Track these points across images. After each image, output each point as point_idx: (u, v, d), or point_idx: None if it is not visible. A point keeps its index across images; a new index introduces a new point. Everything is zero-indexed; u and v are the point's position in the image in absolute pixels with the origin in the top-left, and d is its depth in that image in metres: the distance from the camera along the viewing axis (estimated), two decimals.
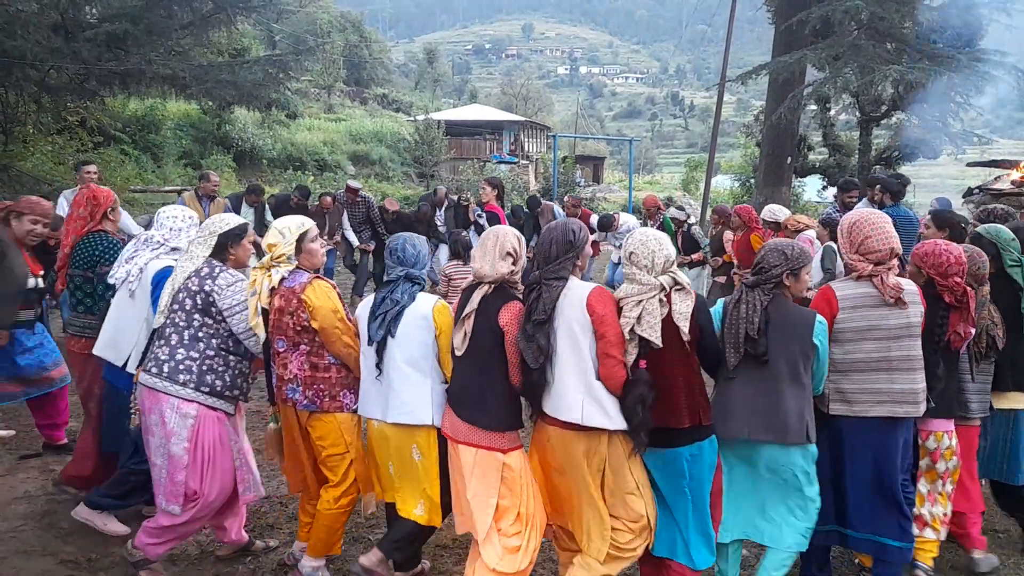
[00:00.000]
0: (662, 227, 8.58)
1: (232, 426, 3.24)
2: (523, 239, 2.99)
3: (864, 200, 6.56)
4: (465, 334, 2.82)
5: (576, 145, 42.32)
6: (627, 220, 8.95)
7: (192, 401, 3.06)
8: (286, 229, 3.13)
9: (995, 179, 13.02)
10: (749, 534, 3.08)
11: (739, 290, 3.01)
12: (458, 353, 2.84)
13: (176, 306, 3.10)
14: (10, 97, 10.87)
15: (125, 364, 3.47)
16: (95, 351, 3.54)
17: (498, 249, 2.85)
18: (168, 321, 3.12)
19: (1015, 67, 12.84)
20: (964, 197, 12.97)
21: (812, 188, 22.45)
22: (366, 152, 28.54)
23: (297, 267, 3.13)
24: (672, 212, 8.80)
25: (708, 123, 45.33)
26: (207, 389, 3.09)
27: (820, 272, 5.41)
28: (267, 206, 8.76)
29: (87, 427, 3.93)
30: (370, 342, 3.00)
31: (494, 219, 7.57)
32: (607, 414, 2.69)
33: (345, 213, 9.33)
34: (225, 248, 3.21)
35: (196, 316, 3.10)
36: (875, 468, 3.00)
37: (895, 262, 3.04)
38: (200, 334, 3.12)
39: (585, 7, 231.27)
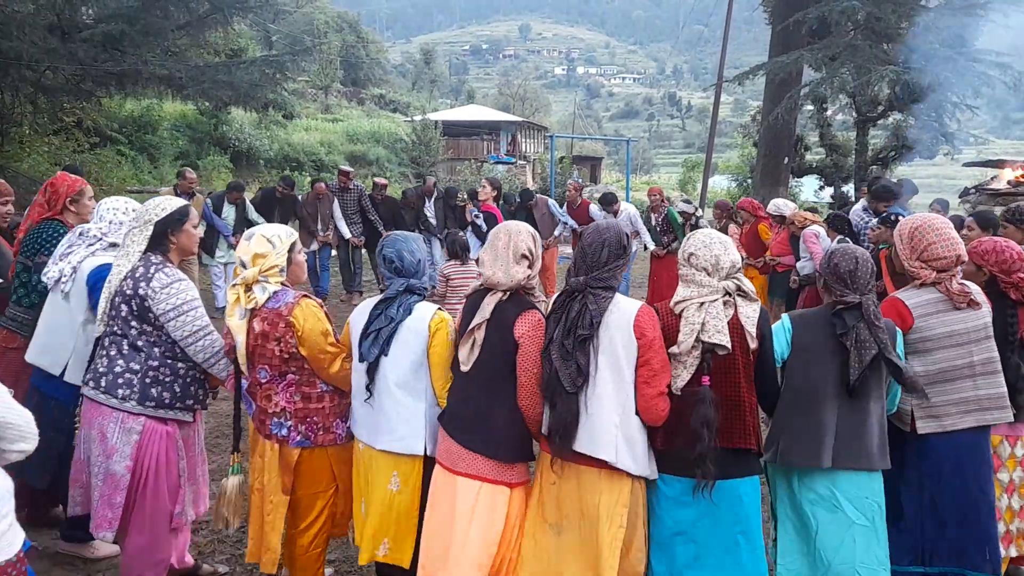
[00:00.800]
0: (667, 219, 8.60)
1: (185, 437, 2.90)
2: (539, 237, 2.66)
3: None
4: (473, 346, 2.47)
5: (573, 145, 42.31)
6: (627, 208, 8.87)
7: (139, 415, 2.74)
8: (275, 237, 2.74)
9: (991, 179, 13.05)
10: None
11: (837, 308, 2.60)
12: (464, 368, 2.48)
13: (113, 312, 2.77)
14: (6, 98, 10.84)
15: (63, 373, 3.14)
16: (28, 358, 3.23)
17: (511, 251, 2.52)
18: (107, 330, 2.81)
19: (1010, 67, 12.87)
20: (960, 197, 13.00)
21: (809, 188, 22.49)
22: (363, 152, 28.52)
23: (281, 283, 2.75)
24: (680, 205, 8.73)
25: (705, 123, 45.42)
26: (152, 403, 2.76)
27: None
28: (249, 203, 8.70)
29: None
30: (361, 359, 2.64)
31: (491, 220, 7.56)
32: (635, 456, 2.37)
33: (336, 202, 9.22)
34: (164, 237, 2.82)
35: (133, 323, 2.75)
36: (970, 488, 2.74)
37: (959, 269, 2.86)
38: (140, 343, 2.77)
39: (582, 8, 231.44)
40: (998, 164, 13.32)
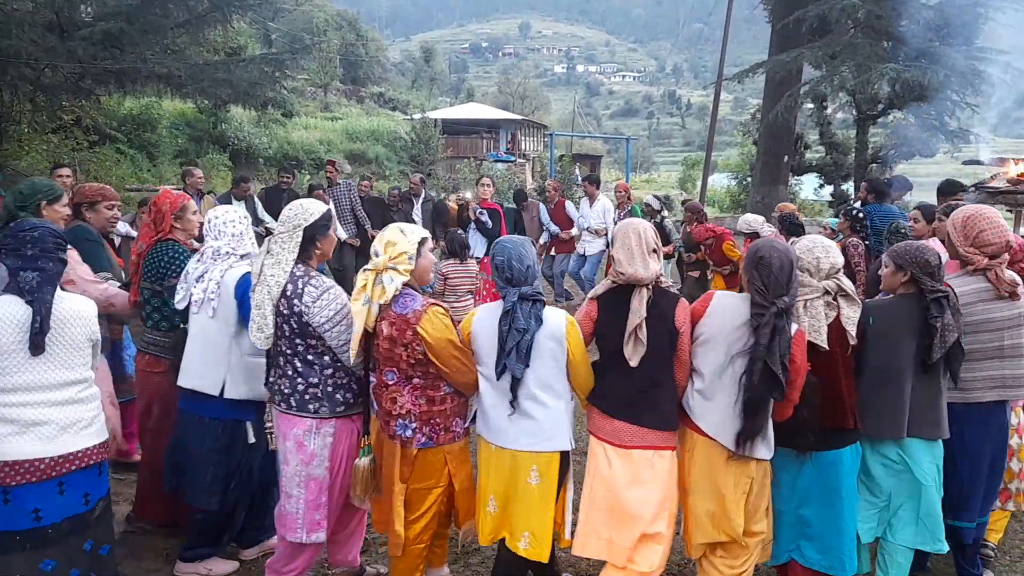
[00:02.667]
0: (630, 215, 8.79)
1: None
2: (655, 230, 2.92)
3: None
4: (637, 344, 2.71)
5: (573, 144, 42.30)
6: (606, 204, 9.06)
7: (330, 419, 2.84)
8: (408, 229, 2.80)
9: (991, 177, 13.04)
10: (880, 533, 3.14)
11: (936, 296, 2.91)
12: (633, 364, 2.72)
13: (278, 332, 2.82)
14: (4, 96, 10.81)
15: (222, 392, 3.11)
16: (183, 383, 3.17)
17: (644, 246, 2.78)
18: (276, 350, 2.86)
19: (1010, 65, 12.86)
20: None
21: (809, 186, 22.49)
22: (363, 151, 28.49)
23: (407, 284, 2.79)
24: (647, 199, 8.95)
25: (705, 122, 45.45)
26: (341, 407, 2.86)
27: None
28: (257, 199, 8.61)
29: (145, 463, 3.67)
30: (499, 377, 2.74)
31: (495, 216, 7.56)
32: (768, 443, 2.80)
33: (332, 202, 8.87)
34: (312, 243, 2.84)
35: (298, 341, 2.80)
36: (991, 452, 3.15)
37: (1007, 256, 3.17)
38: (310, 357, 2.82)
39: (582, 6, 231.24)
40: (997, 162, 13.31)
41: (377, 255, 2.77)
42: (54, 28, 9.24)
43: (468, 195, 7.91)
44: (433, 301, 2.82)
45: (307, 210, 2.83)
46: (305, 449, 2.81)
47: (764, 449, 2.77)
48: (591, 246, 9.10)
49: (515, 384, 2.72)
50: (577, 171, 28.44)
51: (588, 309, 2.90)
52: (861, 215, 6.06)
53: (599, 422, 2.88)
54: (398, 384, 2.80)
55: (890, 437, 2.98)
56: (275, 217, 8.36)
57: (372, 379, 2.89)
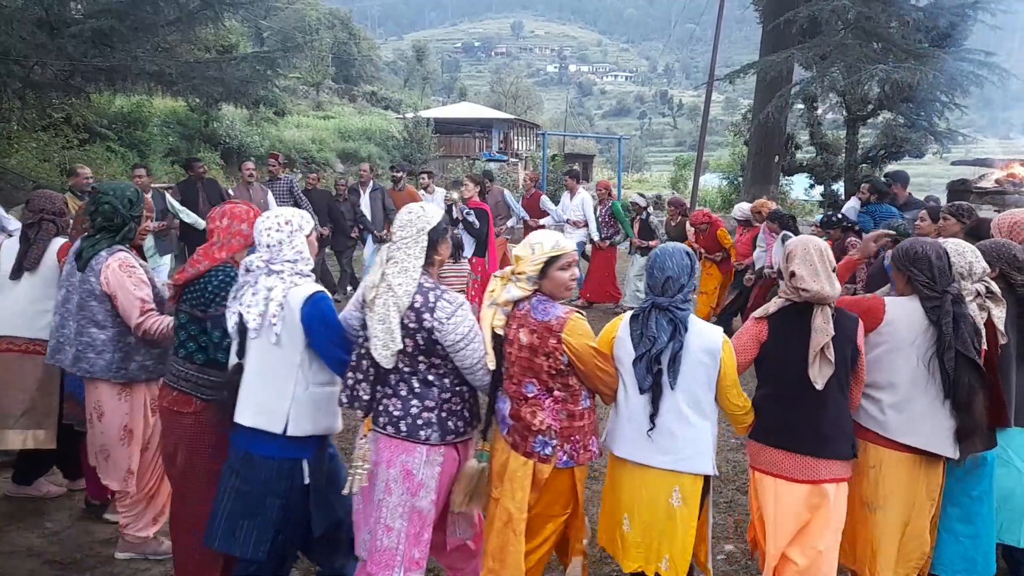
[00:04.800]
0: (611, 213, 9.10)
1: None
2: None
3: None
4: (823, 364, 2.58)
5: (565, 143, 42.30)
6: (584, 197, 9.21)
7: (439, 446, 2.60)
8: (538, 246, 2.63)
9: (979, 178, 13.14)
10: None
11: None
12: (818, 387, 2.58)
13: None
14: None
15: (285, 428, 2.65)
16: (242, 420, 2.69)
17: (828, 263, 2.66)
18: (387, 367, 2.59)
19: (999, 67, 12.96)
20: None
21: (799, 186, 22.57)
22: (355, 150, 28.44)
23: (541, 293, 2.64)
24: (634, 197, 9.26)
25: (697, 122, 45.52)
26: (452, 436, 2.62)
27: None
28: (168, 194, 8.05)
29: (182, 524, 3.00)
30: (642, 391, 2.60)
31: (482, 215, 7.55)
32: (950, 440, 2.79)
33: (269, 193, 8.58)
34: (435, 248, 2.62)
35: (421, 359, 2.56)
36: None
37: None
38: (430, 377, 2.59)
39: (574, 6, 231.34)
40: (985, 163, 13.43)
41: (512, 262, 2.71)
42: (44, 25, 9.19)
43: (455, 195, 7.92)
44: (574, 308, 2.70)
45: (427, 213, 2.63)
46: (413, 479, 2.56)
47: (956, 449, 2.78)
48: (571, 238, 9.24)
49: (655, 396, 2.59)
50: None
51: (756, 330, 2.74)
52: (839, 217, 6.19)
53: (772, 456, 2.70)
54: (538, 397, 2.62)
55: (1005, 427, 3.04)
56: (194, 210, 7.90)
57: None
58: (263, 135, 24.20)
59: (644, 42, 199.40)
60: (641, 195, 9.46)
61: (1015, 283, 3.07)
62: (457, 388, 2.63)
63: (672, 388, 2.57)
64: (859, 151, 17.00)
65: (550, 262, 2.61)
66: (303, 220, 2.77)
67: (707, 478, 2.69)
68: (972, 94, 13.97)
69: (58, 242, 3.80)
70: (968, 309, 2.76)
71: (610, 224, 9.14)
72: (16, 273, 3.74)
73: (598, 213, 9.23)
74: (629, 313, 2.74)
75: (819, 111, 18.18)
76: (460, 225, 7.75)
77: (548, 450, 2.61)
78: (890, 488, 2.78)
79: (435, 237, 2.60)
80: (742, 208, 7.93)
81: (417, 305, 2.50)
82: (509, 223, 9.32)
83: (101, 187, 3.45)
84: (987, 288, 2.91)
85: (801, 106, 17.38)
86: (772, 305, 2.76)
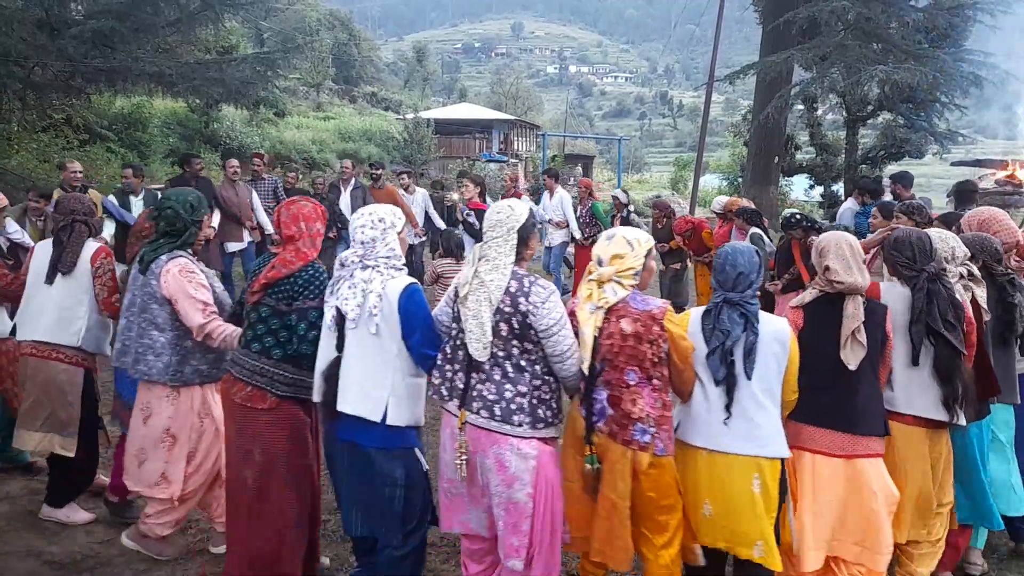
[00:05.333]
0: (591, 212, 9.24)
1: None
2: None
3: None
4: (855, 347, 2.80)
5: (565, 144, 42.33)
6: (563, 197, 9.31)
7: (531, 438, 2.64)
8: (636, 240, 2.75)
9: (979, 178, 13.15)
10: None
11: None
12: (851, 367, 2.81)
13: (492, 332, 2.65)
14: None
15: (384, 417, 2.73)
16: (345, 409, 2.75)
17: (858, 256, 2.92)
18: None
19: (998, 67, 12.97)
20: (948, 196, 13.09)
21: (799, 187, 22.59)
22: (355, 150, 28.41)
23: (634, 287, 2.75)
24: (615, 192, 9.39)
25: (696, 122, 45.52)
26: (542, 424, 2.67)
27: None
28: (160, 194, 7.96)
29: (263, 519, 3.00)
30: (717, 383, 2.73)
31: (482, 216, 7.56)
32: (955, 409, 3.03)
33: (254, 192, 8.36)
34: (526, 244, 2.73)
35: (514, 343, 2.64)
36: None
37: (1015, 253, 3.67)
38: (523, 363, 2.66)
39: (575, 6, 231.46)
40: (986, 164, 13.44)
41: (601, 263, 2.75)
42: (44, 26, 9.20)
43: (455, 196, 7.94)
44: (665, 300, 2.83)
45: (516, 211, 2.73)
46: (506, 470, 2.62)
47: (963, 416, 3.02)
48: (553, 238, 9.43)
49: (730, 387, 2.71)
50: (579, 172, 28.51)
51: (793, 318, 2.92)
52: (799, 217, 6.31)
53: (810, 434, 2.89)
54: (639, 385, 2.69)
55: (1004, 403, 3.39)
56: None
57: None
58: (263, 136, 24.20)
59: (644, 43, 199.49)
60: (624, 191, 9.55)
61: (995, 273, 3.38)
62: (546, 376, 2.71)
63: (749, 378, 2.71)
64: (859, 152, 17.02)
65: (648, 253, 2.78)
66: (395, 218, 2.87)
67: (783, 462, 2.80)
68: (972, 95, 13.97)
69: (92, 246, 3.75)
70: (945, 287, 2.98)
71: (591, 223, 9.21)
72: (50, 276, 3.68)
73: (578, 212, 9.32)
74: (698, 309, 2.90)
75: (819, 112, 18.20)
76: (461, 226, 7.77)
77: (647, 438, 2.68)
78: (902, 456, 3.02)
79: (524, 234, 2.71)
80: (719, 201, 8.38)
81: (512, 290, 2.62)
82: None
83: (165, 193, 3.43)
84: (968, 271, 3.22)
85: (801, 107, 17.40)
86: (807, 295, 2.99)
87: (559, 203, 9.23)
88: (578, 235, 9.13)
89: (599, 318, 2.68)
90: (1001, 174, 12.84)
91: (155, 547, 3.49)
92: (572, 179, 32.32)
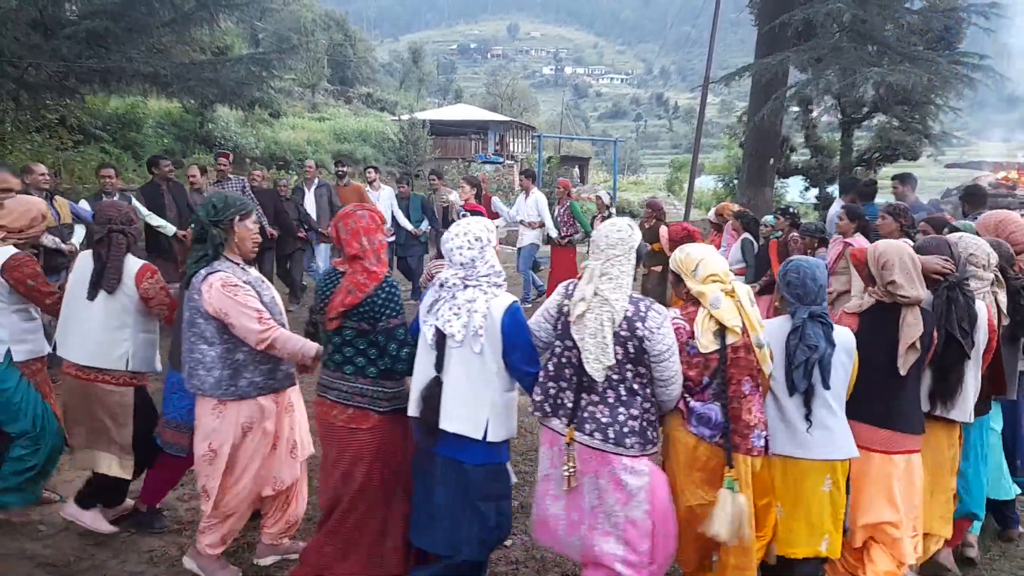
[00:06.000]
0: (569, 212, 9.30)
1: None
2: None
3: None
4: (911, 352, 2.96)
5: (561, 145, 42.39)
6: (539, 198, 9.33)
7: (641, 456, 2.69)
8: (695, 253, 2.90)
9: (974, 180, 13.20)
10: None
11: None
12: (903, 372, 2.99)
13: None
14: None
15: (485, 434, 2.78)
16: (450, 427, 2.78)
17: (919, 268, 3.05)
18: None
19: (993, 70, 13.02)
20: (943, 198, 13.15)
21: (795, 189, 22.65)
22: (350, 151, 28.38)
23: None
24: (599, 193, 9.62)
25: (692, 124, 45.65)
26: (651, 445, 2.73)
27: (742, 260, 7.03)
28: (135, 198, 7.36)
29: (363, 536, 3.03)
30: (792, 392, 2.83)
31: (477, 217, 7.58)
32: (966, 408, 3.24)
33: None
34: (639, 262, 2.80)
35: (628, 367, 2.67)
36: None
37: None
38: (635, 386, 2.69)
39: (571, 7, 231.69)
40: (976, 166, 13.50)
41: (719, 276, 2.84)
42: (38, 26, 9.16)
43: (452, 197, 7.93)
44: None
45: (634, 231, 2.78)
46: (623, 488, 2.64)
47: (964, 414, 3.22)
48: (523, 239, 9.51)
49: (808, 397, 2.81)
50: (577, 174, 28.53)
51: (849, 324, 3.07)
52: (792, 211, 6.85)
53: (860, 430, 3.00)
54: (751, 392, 2.80)
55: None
56: (158, 213, 7.16)
57: (699, 403, 2.79)
58: (258, 137, 24.16)
59: (640, 44, 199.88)
60: (607, 192, 9.70)
61: (1008, 276, 3.54)
62: (652, 399, 2.76)
63: (827, 387, 2.82)
64: (854, 154, 17.07)
65: None
66: (490, 233, 2.88)
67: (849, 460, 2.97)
68: (966, 97, 14.02)
69: (135, 264, 3.52)
70: (963, 295, 3.12)
71: (569, 223, 9.26)
72: (91, 293, 3.47)
73: (556, 212, 9.40)
74: (767, 322, 2.94)
75: (814, 114, 18.24)
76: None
77: (761, 442, 2.80)
78: (926, 451, 3.19)
79: (640, 253, 2.80)
80: (716, 211, 8.53)
81: (629, 314, 2.65)
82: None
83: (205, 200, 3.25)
84: (995, 276, 3.39)
85: (796, 109, 17.43)
86: (865, 303, 3.12)
87: (534, 203, 9.25)
88: (555, 234, 9.18)
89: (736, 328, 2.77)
90: (994, 176, 12.91)
91: (212, 567, 3.34)
92: (570, 179, 32.38)
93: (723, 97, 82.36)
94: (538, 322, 2.87)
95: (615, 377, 2.67)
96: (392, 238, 9.73)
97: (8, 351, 3.62)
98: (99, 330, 3.48)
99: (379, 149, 29.76)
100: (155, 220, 7.27)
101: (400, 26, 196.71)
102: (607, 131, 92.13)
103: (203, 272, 3.11)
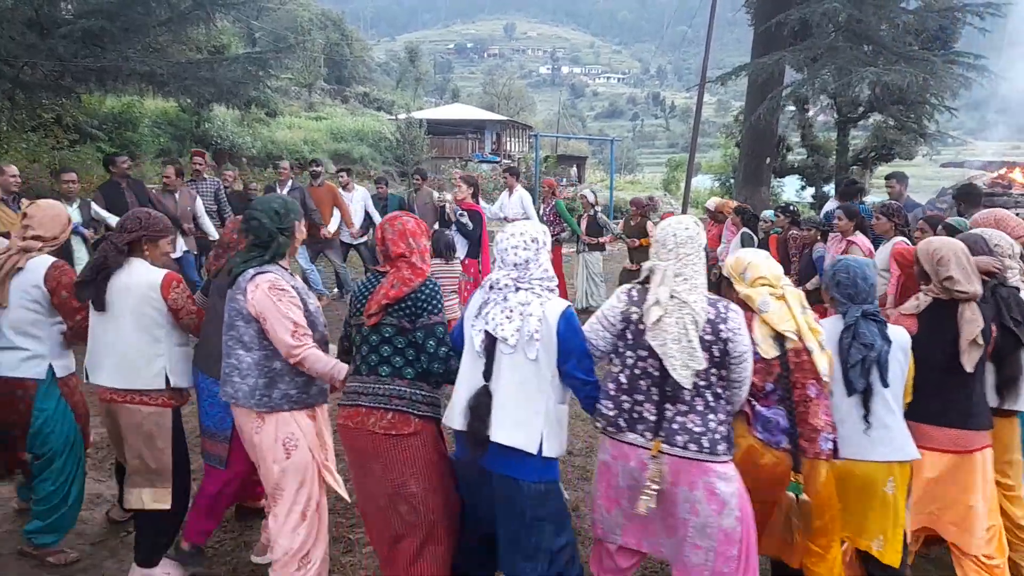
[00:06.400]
0: (554, 211, 9.37)
1: None
2: None
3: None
4: (974, 348, 2.93)
5: (558, 145, 42.37)
6: (523, 195, 9.29)
7: (728, 462, 2.60)
8: (746, 256, 2.89)
9: (968, 179, 13.23)
10: None
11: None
12: (968, 369, 2.94)
13: None
14: None
15: (540, 448, 2.60)
16: (503, 439, 2.60)
17: (973, 263, 3.03)
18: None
19: (988, 70, 13.06)
20: (939, 197, 13.18)
21: (791, 188, 22.69)
22: (347, 151, 28.38)
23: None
24: (584, 192, 9.72)
25: (689, 123, 45.72)
26: (733, 448, 2.65)
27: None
28: (92, 199, 7.10)
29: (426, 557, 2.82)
30: (851, 392, 2.78)
31: (475, 216, 7.55)
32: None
33: (198, 198, 7.84)
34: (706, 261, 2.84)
35: (713, 371, 2.56)
36: None
37: None
38: (719, 390, 2.59)
39: (567, 7, 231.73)
40: (964, 165, 13.53)
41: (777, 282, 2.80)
42: (34, 25, 9.16)
43: (448, 196, 7.93)
44: None
45: (700, 227, 2.70)
46: (716, 498, 2.53)
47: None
48: None
49: (867, 397, 2.77)
50: (575, 173, 28.53)
51: (907, 325, 3.01)
52: (792, 209, 7.06)
53: (924, 431, 2.97)
54: (818, 396, 2.73)
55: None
56: (117, 214, 6.59)
57: (766, 407, 2.75)
58: (255, 136, 24.14)
59: (636, 44, 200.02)
60: (592, 191, 9.81)
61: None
62: (730, 405, 2.68)
63: (886, 386, 2.79)
64: (850, 153, 17.12)
65: None
66: (546, 236, 2.77)
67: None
68: (961, 97, 14.07)
69: (158, 273, 3.26)
70: (1009, 287, 3.17)
71: (555, 222, 9.33)
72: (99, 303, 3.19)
73: (542, 211, 9.52)
74: (828, 321, 2.89)
75: (810, 113, 18.29)
76: (453, 226, 7.75)
77: (830, 444, 2.73)
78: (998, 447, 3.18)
79: (706, 253, 2.80)
80: (713, 202, 8.68)
81: (712, 317, 2.54)
82: (436, 225, 9.33)
83: (253, 202, 3.11)
84: (1021, 267, 3.42)
85: (792, 108, 17.48)
86: (922, 303, 3.08)
87: (519, 201, 9.21)
88: None
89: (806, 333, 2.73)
90: (990, 175, 12.94)
91: None
92: (564, 180, 32.44)
93: (719, 96, 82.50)
94: (595, 329, 2.72)
95: (702, 383, 2.55)
96: (364, 239, 9.73)
97: (50, 367, 3.40)
98: (131, 348, 3.20)
99: (376, 148, 29.76)
100: (115, 221, 7.01)
101: (397, 25, 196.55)
102: (604, 130, 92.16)
103: (251, 271, 2.94)
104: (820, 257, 6.32)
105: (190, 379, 3.38)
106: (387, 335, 2.82)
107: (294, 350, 2.87)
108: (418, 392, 2.81)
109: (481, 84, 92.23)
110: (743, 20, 18.10)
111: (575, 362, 2.63)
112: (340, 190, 9.53)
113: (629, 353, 2.64)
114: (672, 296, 2.55)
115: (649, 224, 8.75)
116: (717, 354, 2.54)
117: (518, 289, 2.66)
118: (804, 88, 13.96)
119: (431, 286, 2.84)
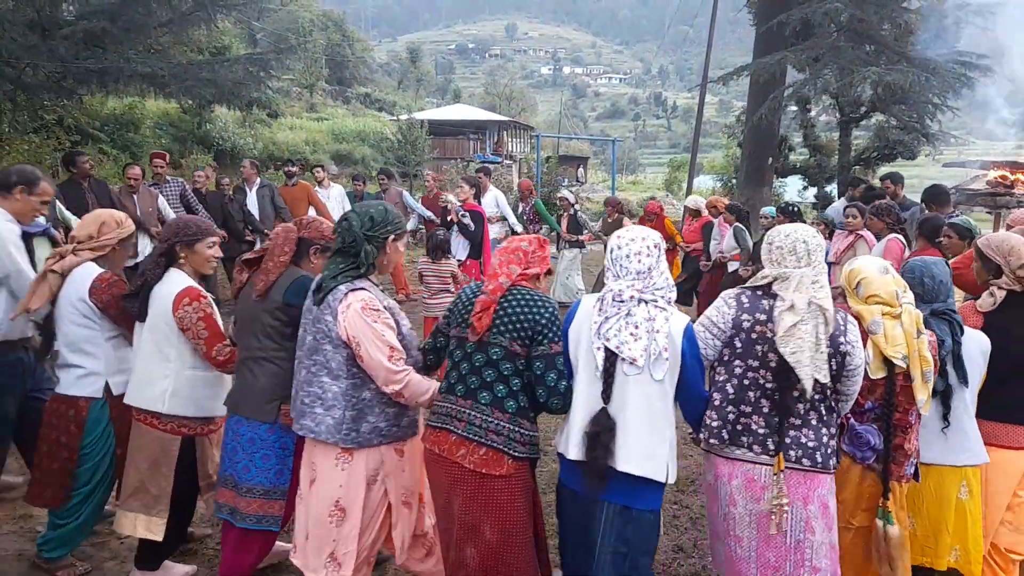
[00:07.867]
0: (534, 210, 9.61)
1: None
2: None
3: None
4: None
5: (559, 145, 42.36)
6: (493, 192, 9.34)
7: (832, 473, 2.51)
8: (864, 263, 2.78)
9: (971, 179, 13.21)
10: None
11: None
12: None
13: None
14: None
15: (667, 475, 2.43)
16: (631, 469, 2.36)
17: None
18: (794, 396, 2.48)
19: (991, 69, 13.05)
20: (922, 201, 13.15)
21: (793, 188, 22.67)
22: (349, 151, 28.42)
23: None
24: (563, 192, 10.12)
25: (690, 124, 45.63)
26: (837, 464, 2.56)
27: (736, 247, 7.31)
28: (55, 198, 6.85)
29: None
30: (934, 394, 2.70)
31: (476, 217, 7.54)
32: None
33: (160, 197, 7.71)
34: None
35: (828, 385, 2.45)
36: None
37: None
38: (832, 403, 2.47)
39: (568, 7, 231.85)
40: (966, 165, 13.50)
41: (897, 296, 2.62)
42: (36, 26, 9.16)
43: (451, 197, 7.92)
44: None
45: (790, 233, 2.56)
46: (828, 512, 2.43)
47: None
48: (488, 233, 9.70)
49: (947, 396, 2.73)
50: (580, 173, 28.51)
51: (974, 323, 2.97)
52: (794, 208, 7.16)
53: (992, 430, 2.93)
54: (916, 421, 2.65)
55: None
56: (78, 214, 6.27)
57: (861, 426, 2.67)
58: (256, 137, 24.16)
59: (638, 44, 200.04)
60: (570, 191, 10.04)
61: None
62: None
63: (966, 384, 2.75)
64: (852, 153, 17.09)
65: None
66: (661, 240, 2.57)
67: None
68: (964, 96, 14.05)
69: (176, 285, 3.04)
70: None
71: (535, 221, 9.64)
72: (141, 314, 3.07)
73: (521, 210, 9.75)
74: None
75: (812, 113, 18.27)
76: (454, 227, 7.75)
77: (912, 469, 2.67)
78: None
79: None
80: (695, 200, 8.86)
81: (833, 329, 2.42)
82: (409, 226, 9.33)
83: (358, 203, 2.87)
84: None
85: (794, 108, 17.46)
86: (998, 297, 2.99)
87: (493, 200, 9.30)
88: (519, 229, 9.35)
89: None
90: (992, 174, 12.91)
91: None
92: (565, 180, 32.45)
93: (721, 97, 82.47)
94: (704, 338, 2.54)
95: (817, 396, 2.41)
96: None
97: (106, 385, 3.20)
98: (141, 363, 3.06)
99: (377, 149, 29.79)
100: (76, 223, 6.75)
101: (398, 26, 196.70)
102: (605, 131, 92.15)
103: (343, 288, 2.61)
104: (825, 253, 6.32)
105: (201, 410, 3.11)
106: (495, 357, 2.52)
107: (394, 375, 2.57)
108: (517, 430, 2.51)
109: (483, 84, 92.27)
110: (745, 20, 18.10)
111: (694, 379, 2.47)
112: (316, 187, 9.57)
113: (738, 363, 2.49)
114: (810, 303, 2.40)
115: (625, 220, 9.03)
116: (835, 366, 2.41)
117: (640, 302, 2.41)
118: (806, 88, 13.96)
119: (551, 308, 2.55)
